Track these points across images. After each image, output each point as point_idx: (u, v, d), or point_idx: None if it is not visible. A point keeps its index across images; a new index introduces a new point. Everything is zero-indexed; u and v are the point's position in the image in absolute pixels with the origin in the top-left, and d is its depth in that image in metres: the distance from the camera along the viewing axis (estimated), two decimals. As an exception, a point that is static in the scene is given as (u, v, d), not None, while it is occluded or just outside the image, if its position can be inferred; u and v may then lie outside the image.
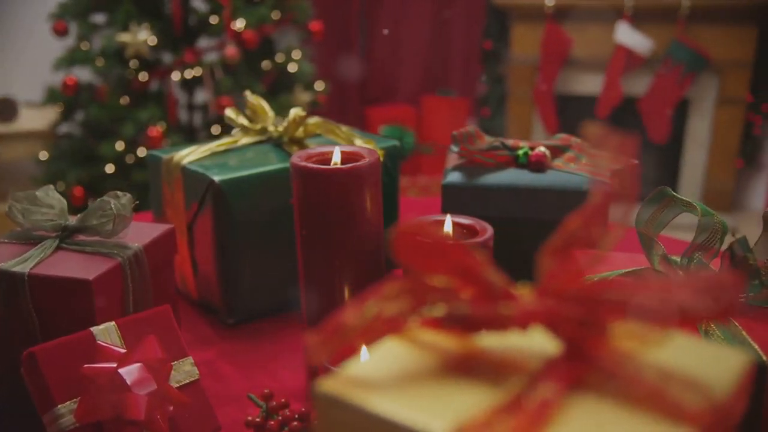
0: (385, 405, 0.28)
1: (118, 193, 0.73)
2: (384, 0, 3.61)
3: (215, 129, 2.45)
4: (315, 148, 0.73)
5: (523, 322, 0.30)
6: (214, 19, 2.36)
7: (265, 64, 2.47)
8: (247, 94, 0.99)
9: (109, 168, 2.35)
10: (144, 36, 2.26)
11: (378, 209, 0.71)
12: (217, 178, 0.84)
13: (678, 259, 0.67)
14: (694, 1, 3.20)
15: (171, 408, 0.63)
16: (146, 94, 2.44)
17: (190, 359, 0.68)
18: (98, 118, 2.33)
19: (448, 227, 0.72)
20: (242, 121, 0.97)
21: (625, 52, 3.33)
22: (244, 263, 0.88)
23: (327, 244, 0.69)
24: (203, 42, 2.55)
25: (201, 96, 2.61)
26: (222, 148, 0.93)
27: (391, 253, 0.32)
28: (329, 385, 0.30)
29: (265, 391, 0.69)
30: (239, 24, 2.36)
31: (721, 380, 0.29)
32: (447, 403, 0.29)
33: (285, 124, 0.92)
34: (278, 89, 2.51)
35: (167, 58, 2.51)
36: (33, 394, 0.62)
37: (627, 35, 3.33)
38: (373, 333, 0.30)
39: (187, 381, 0.67)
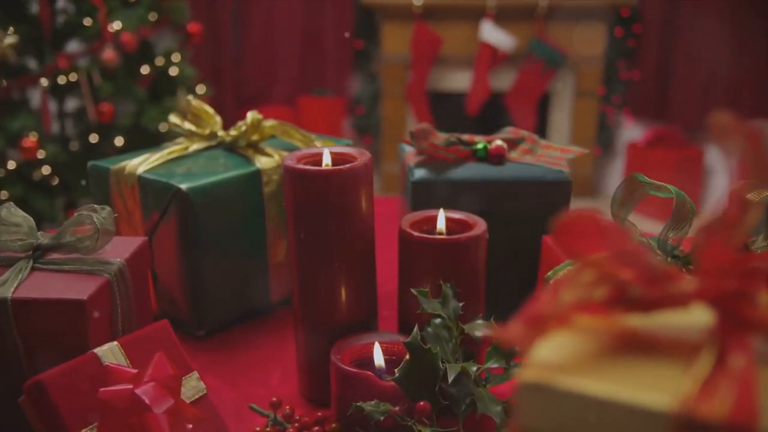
0: (600, 387, 0.29)
1: (96, 206, 0.69)
2: (255, 0, 3.56)
3: (93, 138, 2.32)
4: (301, 150, 0.72)
5: (690, 299, 0.33)
6: (87, 21, 2.23)
7: (145, 68, 2.36)
8: (190, 98, 0.95)
9: (-23, 183, 2.17)
10: (11, 40, 2.10)
11: (371, 208, 0.71)
12: (183, 186, 0.81)
13: (654, 240, 0.73)
14: (550, 1, 3.39)
15: (190, 426, 0.61)
16: (9, 103, 2.27)
17: (195, 374, 0.66)
18: (-39, 130, 2.14)
19: (441, 222, 0.74)
20: (189, 126, 0.94)
21: (490, 50, 3.48)
22: (212, 272, 0.85)
23: (327, 246, 0.69)
24: (73, 46, 2.40)
25: (72, 103, 2.46)
26: (174, 155, 0.89)
27: (556, 241, 0.33)
28: (534, 374, 0.30)
29: (273, 399, 0.68)
30: (116, 26, 2.24)
31: None
32: (654, 380, 0.30)
33: (243, 127, 0.90)
34: (160, 93, 2.41)
35: (32, 63, 2.35)
36: (39, 427, 0.57)
37: (491, 33, 3.48)
38: (567, 319, 0.31)
39: (197, 396, 0.65)
